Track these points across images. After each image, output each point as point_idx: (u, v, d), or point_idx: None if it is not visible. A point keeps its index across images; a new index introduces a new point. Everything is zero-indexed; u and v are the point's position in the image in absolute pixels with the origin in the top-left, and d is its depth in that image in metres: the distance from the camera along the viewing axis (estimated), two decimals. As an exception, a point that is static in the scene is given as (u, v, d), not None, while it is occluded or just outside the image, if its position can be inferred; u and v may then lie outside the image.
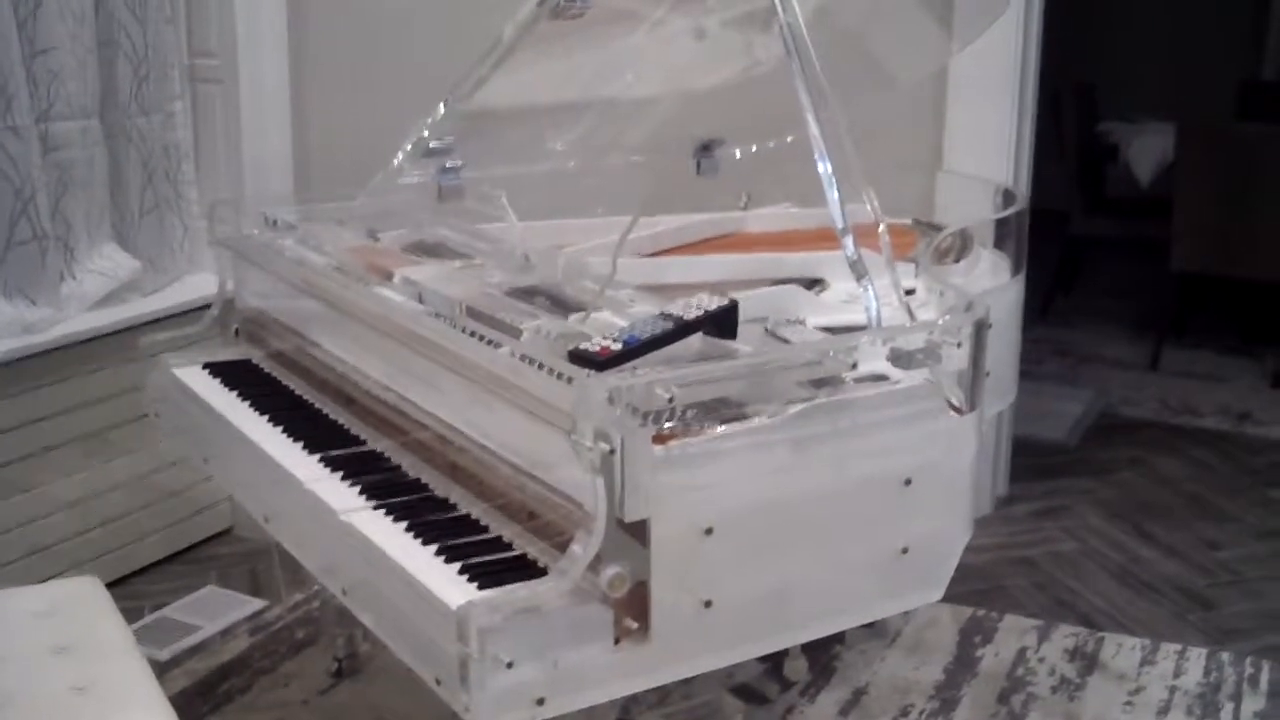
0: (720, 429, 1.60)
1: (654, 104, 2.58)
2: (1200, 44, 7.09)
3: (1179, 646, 3.05)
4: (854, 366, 1.72)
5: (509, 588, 1.56)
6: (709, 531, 1.59)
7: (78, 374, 3.12)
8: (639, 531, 1.54)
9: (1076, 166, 5.69)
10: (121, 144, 3.27)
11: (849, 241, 1.87)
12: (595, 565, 1.52)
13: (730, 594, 1.63)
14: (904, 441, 1.75)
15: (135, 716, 1.82)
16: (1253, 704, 2.82)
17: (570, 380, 1.59)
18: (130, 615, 3.10)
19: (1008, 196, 2.76)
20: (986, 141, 3.43)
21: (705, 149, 2.74)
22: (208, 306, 2.63)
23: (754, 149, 2.78)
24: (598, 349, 1.64)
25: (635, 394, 1.54)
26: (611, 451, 1.51)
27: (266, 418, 2.23)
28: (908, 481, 1.75)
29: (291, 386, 2.38)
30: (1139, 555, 3.56)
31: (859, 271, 1.85)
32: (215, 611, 3.17)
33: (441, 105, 2.48)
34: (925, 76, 3.34)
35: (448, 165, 2.57)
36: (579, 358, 1.64)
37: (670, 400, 1.55)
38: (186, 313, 3.17)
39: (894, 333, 1.78)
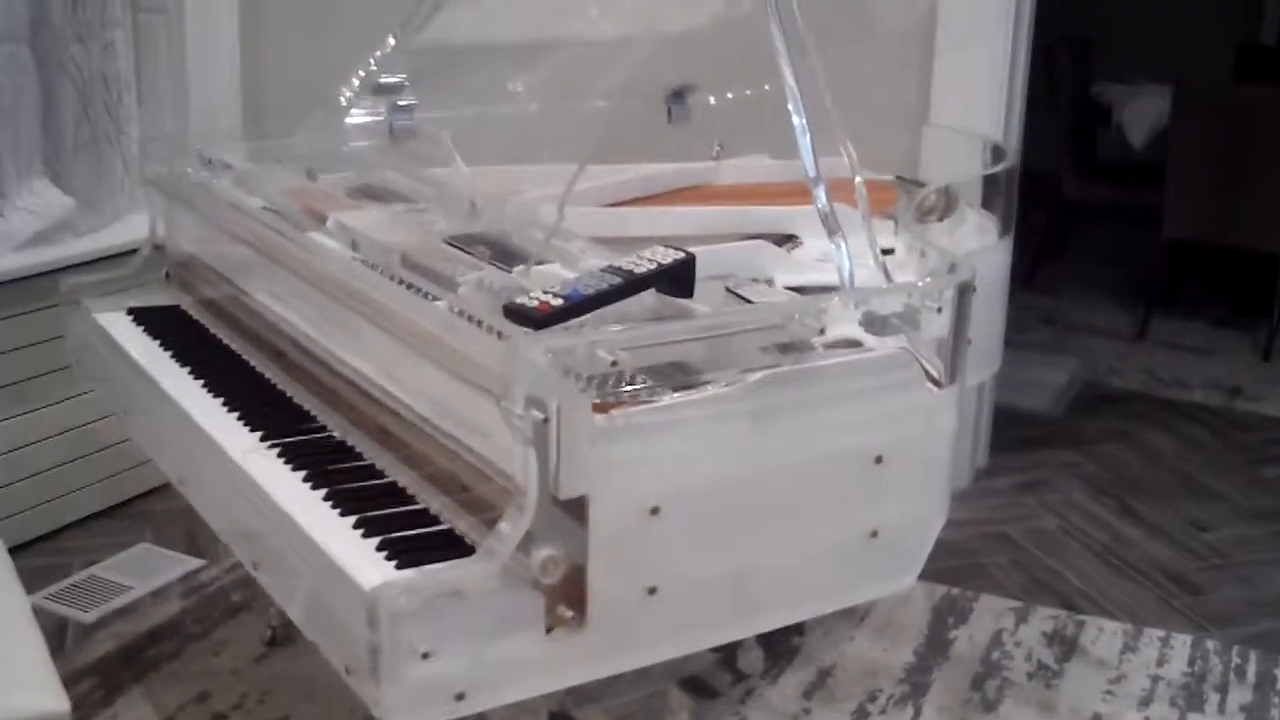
0: (670, 397, 1.43)
1: (623, 46, 2.42)
2: (1199, 6, 6.90)
3: (1163, 633, 2.90)
4: (822, 331, 1.56)
5: (429, 568, 1.41)
6: (655, 511, 1.44)
7: (2, 318, 2.93)
8: (576, 510, 1.39)
9: (1070, 128, 5.53)
10: (54, 73, 3.06)
11: (821, 193, 1.71)
12: (526, 546, 1.37)
13: (678, 580, 1.48)
14: (876, 415, 1.60)
15: (19, 700, 1.65)
16: (1239, 696, 2.67)
17: (502, 337, 1.42)
18: (58, 573, 2.97)
19: (997, 152, 2.61)
20: (976, 95, 3.25)
21: (677, 95, 2.57)
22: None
23: (729, 96, 2.62)
24: (536, 304, 1.48)
25: (574, 356, 1.38)
26: (546, 420, 1.35)
27: (188, 370, 2.07)
28: (879, 459, 1.60)
29: (220, 337, 2.22)
30: (1123, 535, 3.41)
31: (831, 226, 1.69)
32: (147, 571, 3.00)
33: (390, 38, 2.32)
34: (911, 25, 3.17)
35: (400, 104, 2.41)
36: (515, 313, 1.48)
37: (614, 364, 1.39)
38: (121, 255, 2.98)
39: (868, 294, 1.63)
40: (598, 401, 1.39)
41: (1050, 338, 5.05)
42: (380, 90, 2.40)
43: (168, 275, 2.46)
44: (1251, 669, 2.77)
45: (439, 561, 1.43)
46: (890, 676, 2.70)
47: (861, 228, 1.72)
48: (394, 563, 1.47)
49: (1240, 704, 2.65)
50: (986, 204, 2.48)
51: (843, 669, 2.70)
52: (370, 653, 1.35)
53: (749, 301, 1.69)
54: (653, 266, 1.56)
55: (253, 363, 2.10)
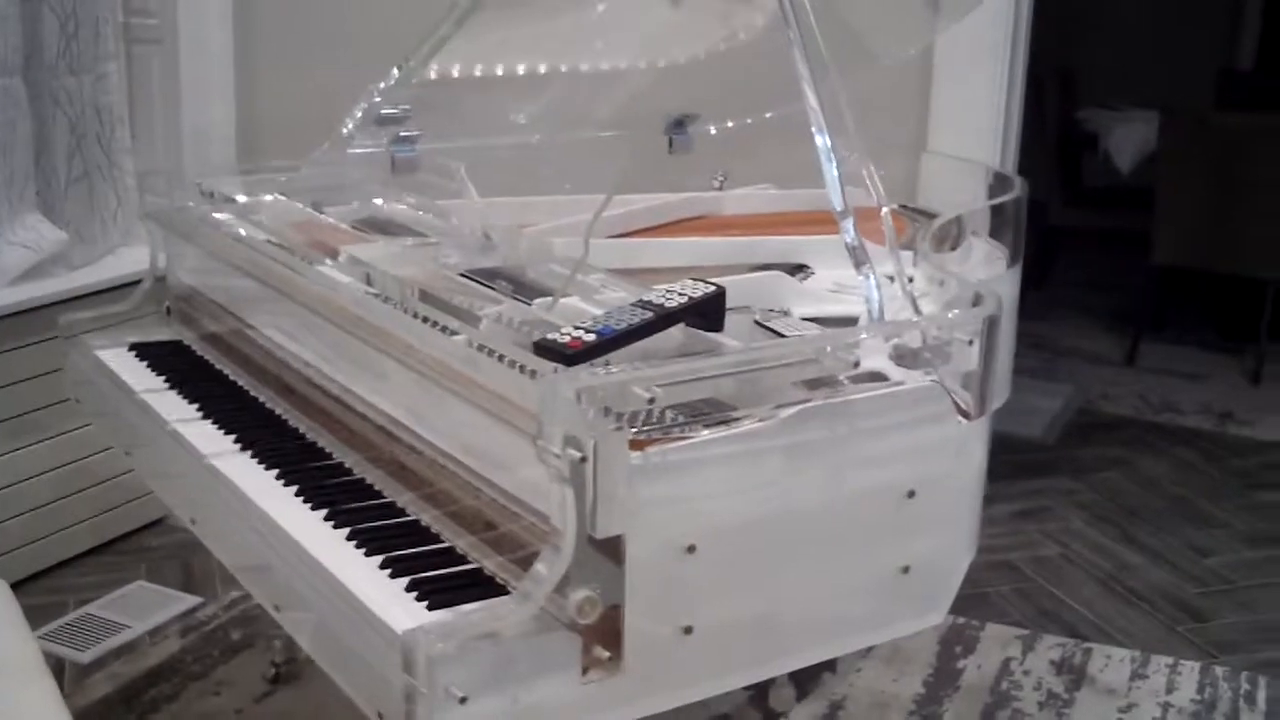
0: (705, 434, 1.41)
1: (626, 76, 2.41)
2: (1180, 31, 6.93)
3: (1170, 660, 2.89)
4: (856, 365, 1.54)
5: (464, 609, 1.38)
6: (691, 549, 1.41)
7: (-4, 353, 2.90)
8: (612, 549, 1.36)
9: (1055, 154, 5.54)
10: (47, 106, 3.02)
11: (849, 225, 1.68)
12: (562, 587, 1.34)
13: (713, 619, 1.45)
14: (908, 449, 1.58)
15: (35, 747, 1.61)
16: (1250, 723, 2.67)
17: (535, 375, 1.39)
18: (53, 611, 2.92)
19: (1002, 180, 2.60)
20: (974, 123, 3.25)
21: (678, 125, 2.56)
22: (139, 283, 2.42)
23: (730, 125, 2.60)
24: (567, 340, 1.45)
25: (610, 393, 1.35)
26: (583, 459, 1.32)
27: (195, 407, 2.03)
28: (911, 494, 1.58)
29: (226, 373, 2.19)
30: (1125, 561, 3.40)
31: (859, 258, 1.67)
32: (144, 609, 2.95)
33: (395, 69, 2.29)
34: (909, 54, 3.16)
35: (402, 135, 2.39)
36: (546, 350, 1.45)
37: (650, 401, 1.36)
38: (116, 288, 2.94)
39: (899, 328, 1.61)
40: (632, 439, 1.36)
41: (1041, 364, 5.04)
42: (382, 121, 2.37)
43: (169, 311, 2.43)
44: (1261, 695, 2.76)
45: (471, 602, 1.40)
46: (901, 709, 2.67)
47: (889, 259, 1.70)
48: (425, 603, 1.44)
49: (1252, 732, 2.64)
50: (994, 232, 2.47)
51: (854, 700, 2.68)
52: (406, 699, 1.32)
53: (779, 335, 1.66)
54: (683, 300, 1.54)
55: (262, 399, 2.06)
